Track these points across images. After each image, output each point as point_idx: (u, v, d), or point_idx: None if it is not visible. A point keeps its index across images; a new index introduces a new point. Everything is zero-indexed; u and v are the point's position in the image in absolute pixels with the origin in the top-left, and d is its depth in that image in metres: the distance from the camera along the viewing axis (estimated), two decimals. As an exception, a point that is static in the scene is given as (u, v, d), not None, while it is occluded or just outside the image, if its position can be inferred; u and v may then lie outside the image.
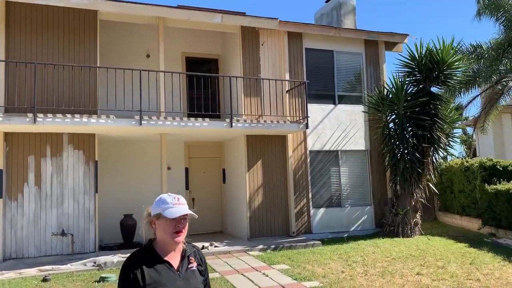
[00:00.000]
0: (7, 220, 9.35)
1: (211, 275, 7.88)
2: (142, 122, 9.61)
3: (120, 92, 10.14)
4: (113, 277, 7.72)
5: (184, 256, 2.35)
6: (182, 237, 2.28)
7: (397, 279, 7.50)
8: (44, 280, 7.72)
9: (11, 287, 7.36)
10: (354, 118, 12.87)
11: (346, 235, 11.87)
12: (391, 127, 12.48)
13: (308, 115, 11.37)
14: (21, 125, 8.81)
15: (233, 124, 10.40)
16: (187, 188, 12.95)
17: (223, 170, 13.35)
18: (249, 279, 7.72)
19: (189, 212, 2.29)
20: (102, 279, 7.63)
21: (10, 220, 9.37)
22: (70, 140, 10.00)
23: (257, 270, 8.33)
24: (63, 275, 8.18)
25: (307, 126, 11.23)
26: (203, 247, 10.04)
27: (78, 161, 10.02)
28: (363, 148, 12.91)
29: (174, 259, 2.30)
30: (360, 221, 12.55)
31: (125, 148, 12.21)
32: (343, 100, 12.87)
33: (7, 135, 9.49)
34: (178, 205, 2.27)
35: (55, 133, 9.85)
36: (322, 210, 12.18)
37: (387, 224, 11.96)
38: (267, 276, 7.87)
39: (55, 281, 7.70)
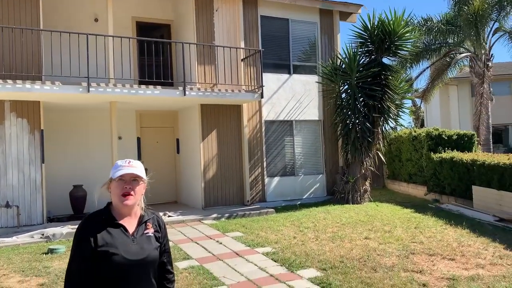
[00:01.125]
0: None
1: (164, 244, 7.85)
2: (90, 89, 9.20)
3: (66, 57, 9.61)
4: (62, 248, 7.51)
5: (141, 222, 2.31)
6: (130, 201, 2.23)
7: (346, 243, 7.77)
8: (-12, 253, 7.40)
9: (-49, 262, 7.01)
10: (309, 88, 12.96)
11: (299, 202, 12.14)
12: (344, 97, 12.68)
13: (263, 85, 11.32)
14: (-44, 91, 8.20)
15: (187, 93, 10.19)
16: (139, 158, 12.66)
17: (177, 140, 13.16)
18: (203, 247, 7.75)
19: (135, 172, 2.24)
20: (51, 251, 7.41)
21: None
22: (13, 107, 9.45)
23: (211, 238, 8.37)
24: (8, 248, 7.88)
25: (262, 96, 11.20)
26: (165, 214, 9.93)
27: (22, 130, 9.51)
28: (317, 118, 13.08)
29: (130, 224, 2.27)
30: (312, 189, 12.85)
31: (73, 117, 11.71)
32: (298, 70, 12.89)
33: None
34: (126, 167, 2.25)
35: (-5, 100, 9.26)
36: (276, 179, 12.34)
37: (338, 192, 12.32)
38: (220, 243, 7.93)
39: (0, 254, 7.40)
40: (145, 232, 2.29)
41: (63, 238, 8.53)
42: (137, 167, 2.28)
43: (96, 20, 11.90)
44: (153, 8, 12.71)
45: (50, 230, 8.63)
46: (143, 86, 9.90)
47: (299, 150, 12.77)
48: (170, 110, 13.03)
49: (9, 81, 8.61)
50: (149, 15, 12.73)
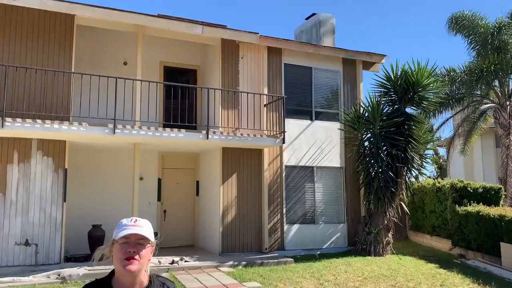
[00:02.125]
0: (-33, 228, 8.89)
1: (180, 291, 7.66)
2: (116, 130, 9.37)
3: (95, 99, 9.88)
4: (78, 291, 7.41)
5: None
6: (135, 266, 1.89)
7: (368, 299, 7.45)
8: (3, 293, 7.34)
9: (-33, 300, 6.97)
10: (330, 134, 12.93)
11: (318, 252, 11.82)
12: (367, 145, 12.59)
13: (285, 130, 11.34)
14: (-13, 129, 8.44)
15: (209, 136, 10.28)
16: (159, 199, 12.68)
17: (197, 182, 13.15)
18: (219, 296, 7.53)
19: (141, 233, 1.92)
20: (66, 293, 7.31)
21: (-30, 228, 8.92)
22: (40, 146, 9.66)
23: (227, 287, 8.15)
24: (25, 287, 7.80)
25: (283, 141, 11.21)
26: (173, 262, 9.80)
27: (47, 168, 9.67)
28: (338, 165, 12.96)
29: None
30: (333, 239, 12.53)
31: (97, 156, 11.88)
32: (320, 116, 12.93)
33: (-28, 138, 9.08)
34: (131, 227, 1.94)
35: (24, 139, 9.49)
36: (295, 226, 12.11)
37: (360, 243, 11.98)
38: (238, 293, 7.71)
39: (15, 294, 7.34)
40: None
41: (79, 280, 8.43)
42: (143, 227, 1.97)
43: (125, 63, 12.29)
44: (180, 53, 13.10)
45: (67, 271, 8.55)
46: (167, 129, 10.04)
47: (320, 197, 12.59)
48: (192, 152, 13.12)
49: (38, 121, 8.85)
50: (177, 60, 13.11)
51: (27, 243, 9.20)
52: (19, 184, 9.39)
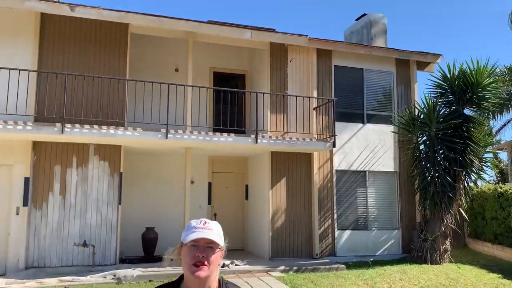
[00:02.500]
0: (31, 229, 9.40)
1: (231, 295, 7.66)
2: (168, 135, 9.58)
3: (148, 105, 10.17)
4: (132, 292, 7.59)
5: None
6: (204, 272, 1.80)
7: (426, 310, 7.10)
8: (64, 291, 7.66)
9: (31, 297, 7.33)
10: (383, 138, 12.54)
11: (371, 259, 11.45)
12: (422, 149, 12.10)
13: (335, 134, 11.12)
14: (49, 134, 8.89)
15: (258, 140, 10.27)
16: (209, 203, 12.82)
17: (246, 186, 13.18)
18: (270, 301, 7.45)
19: (211, 238, 1.83)
20: (121, 294, 7.51)
21: (34, 229, 9.42)
22: (96, 151, 10.05)
23: (279, 292, 8.06)
24: (83, 286, 8.12)
25: (334, 145, 10.99)
26: (223, 265, 9.84)
27: (104, 172, 10.04)
28: (392, 170, 12.53)
29: None
30: (386, 245, 12.11)
31: (149, 161, 12.21)
32: (372, 119, 12.57)
33: (35, 144, 9.60)
34: (201, 230, 1.85)
35: (82, 144, 9.91)
36: (347, 232, 11.82)
37: (415, 250, 11.49)
38: (288, 299, 7.60)
39: (74, 293, 7.63)
40: None
41: (133, 281, 8.65)
42: (213, 230, 1.87)
43: (176, 70, 12.56)
44: (229, 59, 13.23)
45: (122, 272, 8.80)
46: (217, 134, 10.15)
47: (372, 203, 12.22)
48: (241, 157, 13.17)
49: (96, 126, 9.21)
50: (226, 65, 13.24)
51: (85, 244, 9.59)
52: (77, 187, 9.81)
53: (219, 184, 13.15)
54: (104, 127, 9.25)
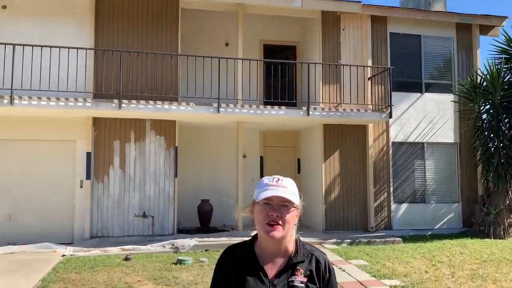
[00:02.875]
0: (94, 201, 9.91)
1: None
2: (220, 109, 9.65)
3: (200, 79, 10.28)
4: (190, 260, 7.85)
5: (289, 264, 1.73)
6: (278, 232, 1.67)
7: (489, 284, 6.80)
8: (126, 259, 8.06)
9: (97, 263, 7.77)
10: (443, 108, 11.93)
11: (429, 233, 11.11)
12: (485, 118, 11.44)
13: (392, 104, 10.69)
14: (107, 110, 9.23)
15: (310, 113, 10.10)
16: (261, 176, 12.89)
17: (298, 160, 13.11)
18: (324, 272, 7.43)
19: (285, 196, 1.69)
20: (179, 262, 7.79)
21: (97, 201, 9.93)
22: (152, 126, 10.34)
23: (333, 264, 8.02)
24: (143, 255, 8.50)
25: (390, 116, 10.59)
26: (277, 237, 9.91)
27: (160, 147, 10.34)
28: (452, 141, 11.95)
29: (273, 264, 1.73)
30: (445, 219, 11.67)
31: (203, 135, 12.41)
32: (430, 88, 11.98)
33: (95, 120, 10.02)
34: (273, 187, 1.73)
35: (139, 119, 10.23)
36: (404, 205, 11.49)
37: (477, 224, 11.00)
38: (343, 271, 7.54)
39: (136, 261, 8.01)
40: (290, 280, 1.70)
41: (191, 250, 8.94)
42: (287, 188, 1.74)
43: (227, 44, 12.54)
44: (280, 30, 13.00)
45: (180, 242, 9.12)
46: (268, 107, 10.09)
47: (431, 175, 11.75)
48: (292, 130, 13.07)
49: (151, 102, 9.44)
50: (276, 37, 13.04)
51: (144, 215, 10.00)
52: (136, 161, 10.19)
53: (271, 158, 13.16)
54: (159, 102, 9.47)
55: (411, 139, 11.67)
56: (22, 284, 6.53)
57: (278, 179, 1.77)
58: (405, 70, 11.83)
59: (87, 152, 9.91)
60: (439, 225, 11.58)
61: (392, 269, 7.60)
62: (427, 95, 11.88)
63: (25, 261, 7.88)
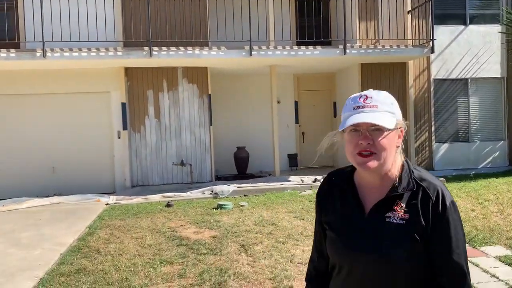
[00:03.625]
0: (133, 151, 10.02)
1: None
2: (252, 52, 9.32)
3: (230, 22, 9.87)
4: (230, 205, 7.89)
5: (389, 196, 1.40)
6: (372, 163, 1.36)
7: (542, 220, 6.51)
8: (168, 205, 8.18)
9: (140, 210, 7.94)
10: (489, 40, 11.15)
11: (473, 172, 10.74)
12: (536, 48, 10.60)
13: (434, 38, 10.02)
14: (138, 59, 9.09)
15: (347, 51, 9.63)
16: (296, 122, 12.66)
17: (334, 103, 12.73)
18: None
19: (374, 122, 1.35)
20: (220, 206, 7.84)
21: (135, 150, 10.04)
22: (184, 74, 10.17)
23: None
24: (184, 201, 8.61)
25: (432, 51, 9.97)
26: (315, 180, 9.83)
27: (193, 95, 10.22)
28: (498, 75, 11.25)
29: (373, 196, 1.44)
30: (490, 158, 11.23)
31: (235, 82, 12.16)
32: (475, 20, 11.16)
33: (127, 70, 9.94)
34: (359, 110, 1.39)
35: (170, 67, 10.07)
36: (446, 145, 11.08)
37: (525, 161, 10.52)
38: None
39: (177, 207, 8.13)
40: (387, 215, 1.39)
41: (230, 195, 8.99)
42: (378, 107, 1.38)
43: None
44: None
45: (218, 188, 9.17)
46: (302, 47, 9.68)
47: (475, 113, 11.20)
48: (327, 72, 12.61)
49: (181, 48, 9.22)
50: (307, -27, 12.30)
51: (182, 163, 10.07)
52: (170, 110, 10.14)
53: (306, 102, 12.84)
54: (189, 48, 9.23)
55: (453, 75, 11.06)
56: (70, 231, 6.75)
57: (366, 97, 1.41)
58: (448, 1, 11.00)
59: (122, 103, 9.91)
60: (483, 164, 11.16)
61: (437, 208, 7.39)
62: (472, 27, 11.09)
63: (71, 211, 8.14)
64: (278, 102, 11.87)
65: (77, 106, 9.95)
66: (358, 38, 10.43)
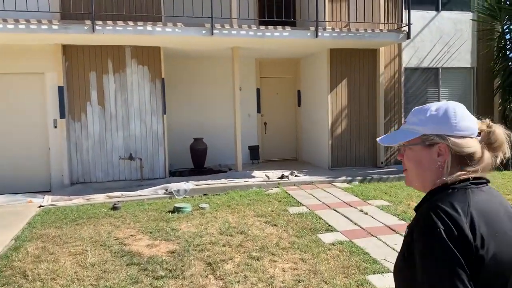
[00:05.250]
0: (72, 143, 8.62)
1: (297, 209, 6.77)
2: (214, 31, 8.16)
3: (187, -4, 8.65)
4: (188, 207, 6.79)
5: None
6: (406, 178, 1.40)
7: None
8: (114, 208, 6.95)
9: (81, 215, 6.66)
10: (460, 28, 10.65)
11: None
12: (509, 38, 10.21)
13: (411, 23, 9.27)
14: (78, 34, 7.66)
15: (319, 34, 8.70)
16: (258, 111, 11.68)
17: (299, 91, 11.85)
18: (344, 216, 6.50)
19: (392, 143, 1.39)
20: (177, 210, 6.71)
21: (75, 142, 8.64)
22: (134, 54, 8.85)
23: (351, 206, 7.08)
24: (133, 203, 7.40)
25: (408, 36, 9.22)
26: (282, 176, 8.92)
27: (143, 78, 8.93)
28: (468, 65, 10.80)
29: None
30: (459, 151, 10.80)
31: (193, 66, 10.95)
32: (447, 5, 10.60)
33: (65, 48, 8.47)
34: (387, 134, 1.45)
35: (117, 46, 8.71)
36: (415, 137, 10.52)
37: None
38: (366, 214, 6.61)
39: (125, 210, 6.92)
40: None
41: (187, 195, 7.88)
42: (406, 123, 1.39)
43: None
44: None
45: (174, 186, 8.02)
46: (270, 27, 8.60)
47: (445, 104, 10.70)
48: (291, 58, 11.68)
49: (130, 23, 7.89)
50: None
51: (131, 157, 8.80)
52: (116, 95, 8.80)
53: (269, 90, 11.87)
54: (140, 23, 7.92)
55: (425, 64, 10.48)
56: (-10, 244, 5.40)
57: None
58: (422, -16, 10.36)
59: (59, 87, 8.44)
60: (453, 157, 10.73)
61: (420, 210, 6.71)
62: (444, 14, 10.52)
63: (-6, 215, 6.71)
64: (240, 89, 10.81)
65: (3, 90, 8.37)
66: (326, 19, 9.52)
